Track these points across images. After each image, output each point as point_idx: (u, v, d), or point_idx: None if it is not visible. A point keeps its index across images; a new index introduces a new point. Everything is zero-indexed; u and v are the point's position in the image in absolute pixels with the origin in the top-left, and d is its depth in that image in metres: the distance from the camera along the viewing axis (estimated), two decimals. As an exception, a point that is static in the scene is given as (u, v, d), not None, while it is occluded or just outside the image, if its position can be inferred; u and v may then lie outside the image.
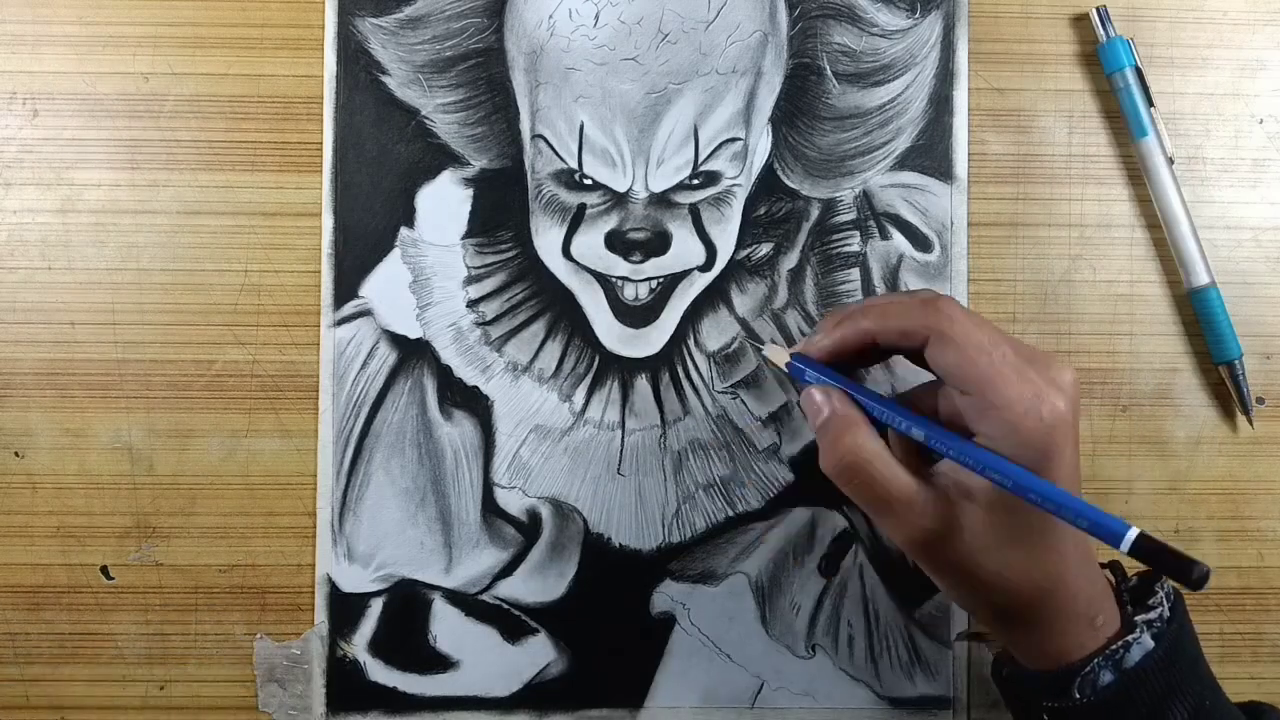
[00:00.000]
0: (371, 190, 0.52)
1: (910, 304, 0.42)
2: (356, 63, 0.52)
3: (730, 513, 0.52)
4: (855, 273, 0.53)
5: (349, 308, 0.52)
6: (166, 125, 0.52)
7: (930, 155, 0.53)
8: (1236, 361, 0.52)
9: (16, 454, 0.51)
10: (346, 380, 0.52)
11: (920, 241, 0.53)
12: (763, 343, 0.50)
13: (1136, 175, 0.53)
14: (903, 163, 0.53)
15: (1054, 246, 0.53)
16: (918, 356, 0.42)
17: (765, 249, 0.53)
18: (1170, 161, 0.52)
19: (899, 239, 0.53)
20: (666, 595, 0.52)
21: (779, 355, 0.45)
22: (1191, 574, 0.35)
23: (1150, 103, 0.52)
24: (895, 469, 0.41)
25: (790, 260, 0.53)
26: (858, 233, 0.53)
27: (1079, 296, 0.53)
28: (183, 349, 0.51)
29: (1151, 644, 0.41)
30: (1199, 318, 0.52)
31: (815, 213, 0.53)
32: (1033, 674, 0.43)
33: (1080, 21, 0.53)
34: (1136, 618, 0.42)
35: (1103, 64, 0.53)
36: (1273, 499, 0.53)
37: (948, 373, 0.41)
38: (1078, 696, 0.42)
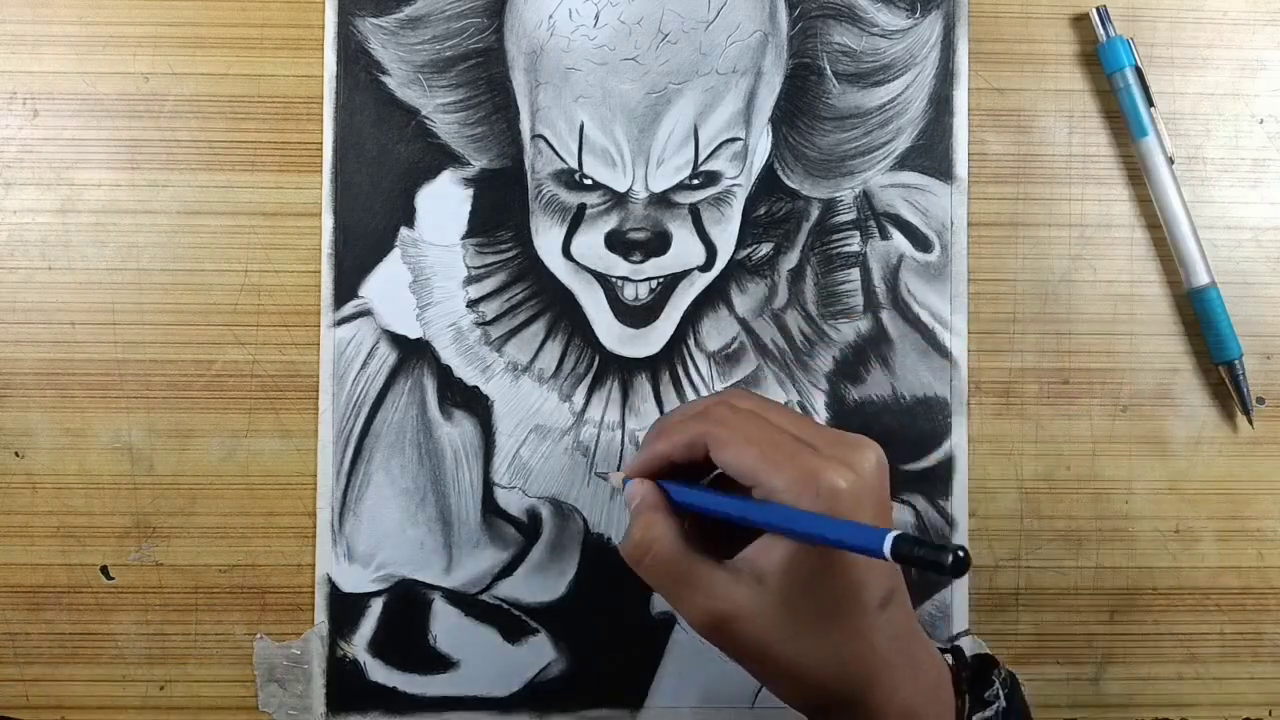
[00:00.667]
0: (371, 190, 0.52)
1: (688, 421, 0.42)
2: (356, 63, 0.52)
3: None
4: (855, 273, 0.53)
5: (349, 308, 0.52)
6: (166, 125, 0.52)
7: (930, 155, 0.53)
8: (1236, 361, 0.52)
9: (17, 454, 0.51)
10: (346, 380, 0.52)
11: (920, 241, 0.53)
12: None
13: (1137, 175, 0.53)
14: (903, 163, 0.53)
15: (1054, 246, 0.53)
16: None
17: (765, 249, 0.53)
18: (1170, 161, 0.52)
19: (899, 239, 0.53)
20: (666, 595, 0.52)
21: (616, 479, 0.46)
22: (945, 561, 0.33)
23: (1150, 103, 0.52)
24: (688, 552, 0.41)
25: (790, 260, 0.53)
26: (858, 233, 0.53)
27: (1079, 296, 0.53)
28: (183, 349, 0.51)
29: None
30: (1199, 317, 0.52)
31: (815, 213, 0.53)
32: None
33: (1080, 21, 0.53)
34: (974, 717, 0.41)
35: (1103, 64, 0.53)
36: (1273, 499, 0.53)
37: (731, 472, 0.41)
38: None
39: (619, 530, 0.52)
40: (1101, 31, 0.52)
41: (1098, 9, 0.52)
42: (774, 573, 0.39)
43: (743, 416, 0.41)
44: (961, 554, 0.33)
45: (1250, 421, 0.53)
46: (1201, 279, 0.52)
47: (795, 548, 0.38)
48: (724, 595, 0.40)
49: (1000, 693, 0.42)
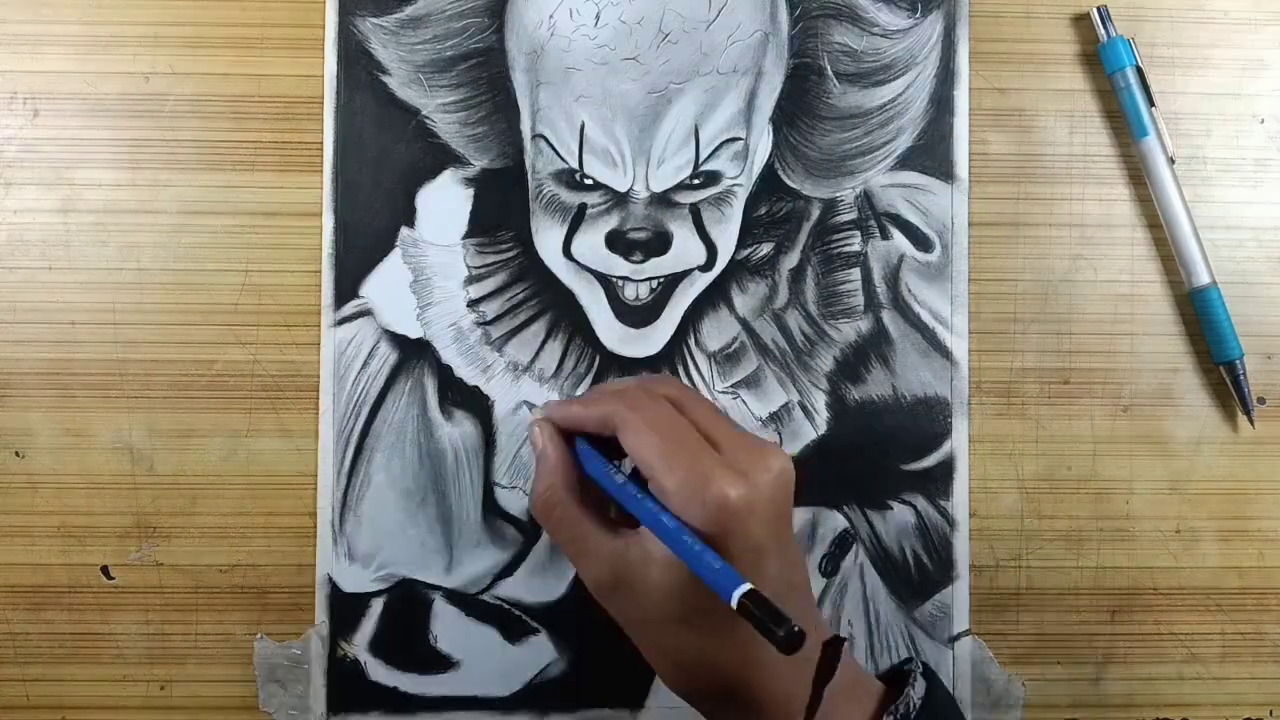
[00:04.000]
0: (372, 190, 0.52)
1: (605, 398, 0.43)
2: (357, 63, 0.52)
3: (731, 513, 0.52)
4: (856, 272, 0.53)
5: (349, 308, 0.52)
6: (167, 125, 0.52)
7: (931, 155, 0.53)
8: (1238, 361, 0.52)
9: (17, 454, 0.51)
10: (347, 380, 0.52)
11: (921, 241, 0.53)
12: None
13: (1137, 175, 0.53)
14: (904, 162, 0.53)
15: (1055, 246, 0.53)
16: None
17: (766, 249, 0.52)
18: (1171, 161, 0.52)
19: (900, 239, 0.53)
20: (667, 595, 0.52)
21: (538, 414, 0.46)
22: (779, 634, 0.33)
23: (1151, 102, 0.52)
24: (589, 515, 0.42)
25: (791, 260, 0.53)
26: (858, 232, 0.53)
27: (1080, 296, 0.53)
28: (183, 349, 0.51)
29: None
30: (1200, 318, 0.52)
31: (816, 212, 0.53)
32: None
33: (1081, 21, 0.53)
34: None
35: (1104, 64, 0.53)
36: (1274, 499, 0.53)
37: (633, 457, 0.41)
38: None
39: (619, 530, 0.52)
40: (1102, 31, 0.52)
41: (1098, 9, 0.52)
42: (662, 565, 0.39)
43: (656, 404, 0.42)
44: (796, 630, 0.33)
45: (1251, 421, 0.53)
46: (1202, 279, 0.52)
47: None
48: (612, 569, 0.40)
49: (913, 689, 0.41)
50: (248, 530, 0.51)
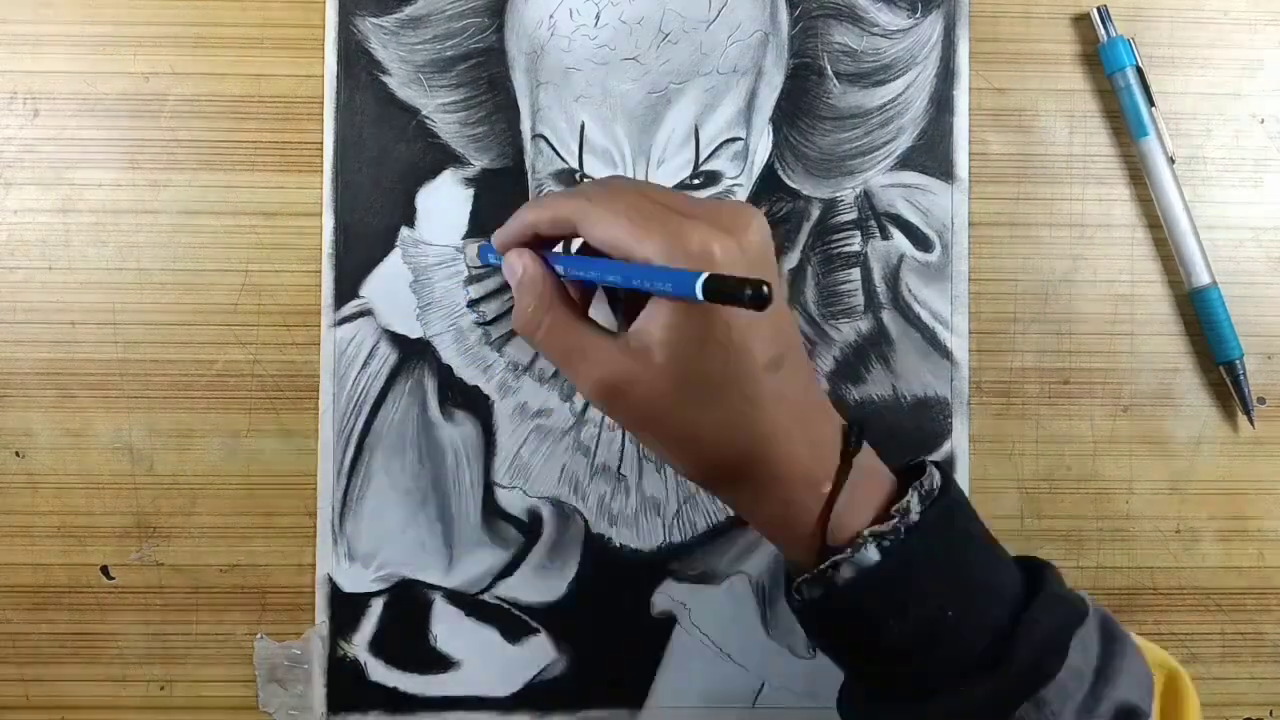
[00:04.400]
0: (372, 190, 0.52)
1: (558, 196, 0.42)
2: (357, 62, 0.52)
3: (731, 513, 0.52)
4: (856, 272, 0.53)
5: (349, 307, 0.52)
6: (167, 125, 0.52)
7: (931, 155, 0.53)
8: (1237, 361, 0.52)
9: (17, 454, 0.51)
10: (347, 380, 0.52)
11: (921, 241, 0.53)
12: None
13: (1137, 175, 0.53)
14: (904, 162, 0.53)
15: (1054, 246, 0.53)
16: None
17: (766, 249, 0.52)
18: (1171, 161, 0.52)
19: (900, 239, 0.53)
20: (667, 595, 0.52)
21: (472, 248, 0.45)
22: (748, 292, 0.32)
23: (1151, 102, 0.52)
24: (581, 321, 0.42)
25: (791, 260, 0.53)
26: (858, 232, 0.53)
27: (1079, 296, 0.53)
28: (183, 349, 0.51)
29: (876, 557, 0.39)
30: (1200, 318, 0.52)
31: (816, 212, 0.53)
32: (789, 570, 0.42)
33: (1081, 21, 0.53)
34: (865, 530, 0.40)
35: (1104, 64, 0.53)
36: (1274, 499, 0.53)
37: (599, 246, 0.40)
38: (795, 597, 0.41)
39: (620, 530, 0.52)
40: (1102, 31, 0.52)
41: (1098, 9, 0.52)
42: (661, 342, 0.39)
43: (613, 191, 0.41)
44: (764, 287, 0.32)
45: (1251, 421, 0.53)
46: (1202, 279, 0.52)
47: (678, 315, 0.38)
48: (614, 367, 0.40)
49: (913, 501, 0.41)
50: (248, 530, 0.51)
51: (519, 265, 0.43)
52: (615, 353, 0.40)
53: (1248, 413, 0.53)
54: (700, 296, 0.34)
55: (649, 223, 0.38)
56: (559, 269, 0.42)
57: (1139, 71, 0.52)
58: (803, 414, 0.40)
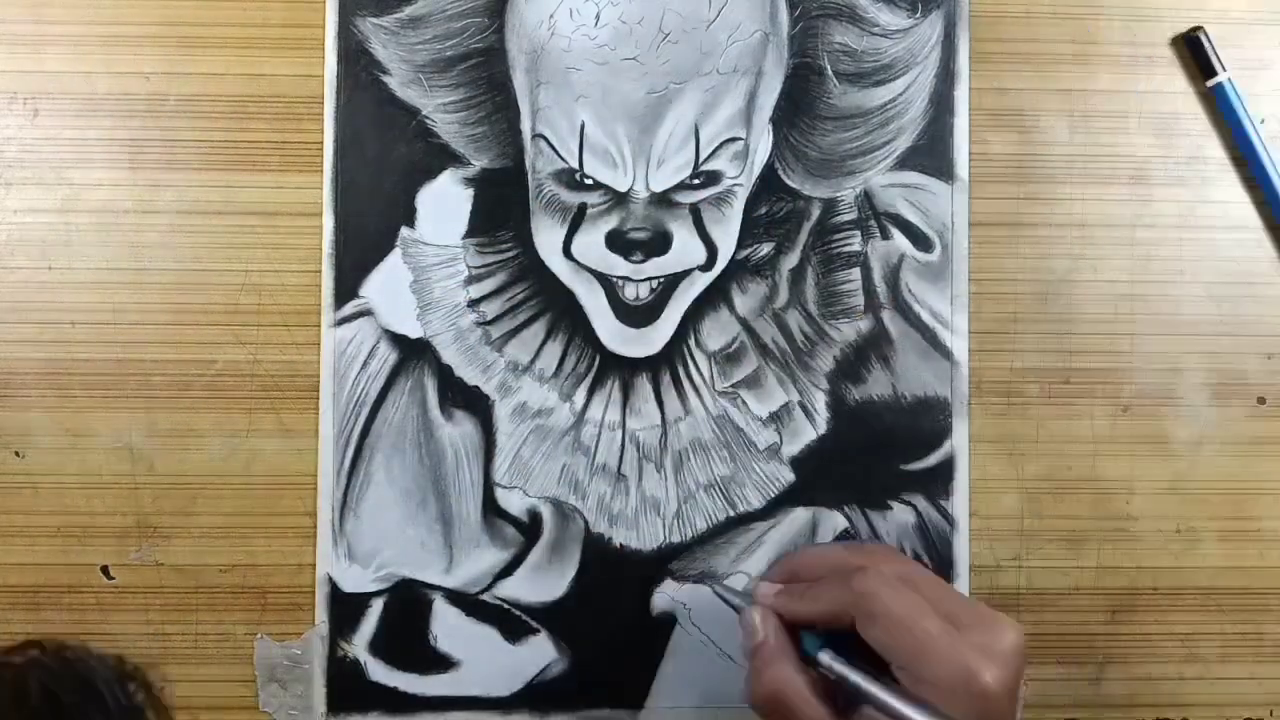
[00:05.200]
0: (372, 190, 0.52)
1: (832, 586, 0.43)
2: (357, 62, 0.52)
3: (731, 513, 0.52)
4: (856, 272, 0.53)
5: (349, 307, 0.52)
6: (167, 125, 0.52)
7: (931, 155, 0.53)
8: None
9: (17, 454, 0.51)
10: (347, 380, 0.52)
11: (921, 241, 0.53)
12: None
13: (1137, 175, 0.53)
14: (904, 162, 0.53)
15: (1055, 246, 0.53)
16: None
17: (766, 249, 0.52)
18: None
19: (900, 239, 0.53)
20: (667, 595, 0.52)
21: (753, 616, 0.45)
22: None
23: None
24: (816, 706, 0.42)
25: (791, 260, 0.53)
26: (859, 232, 0.53)
27: (1080, 296, 0.53)
28: (183, 349, 0.51)
29: None
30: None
31: (816, 212, 0.53)
32: None
33: (1081, 21, 0.53)
34: None
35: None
36: (1274, 499, 0.53)
37: (878, 648, 0.41)
38: None
39: (620, 530, 0.52)
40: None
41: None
42: None
43: (892, 590, 0.41)
44: None
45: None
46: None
47: None
48: None
49: None
50: (248, 530, 0.51)
51: (759, 630, 0.44)
52: None
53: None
54: None
55: (932, 643, 0.40)
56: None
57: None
58: None
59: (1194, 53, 0.53)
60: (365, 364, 0.52)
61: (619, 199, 0.52)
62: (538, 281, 0.52)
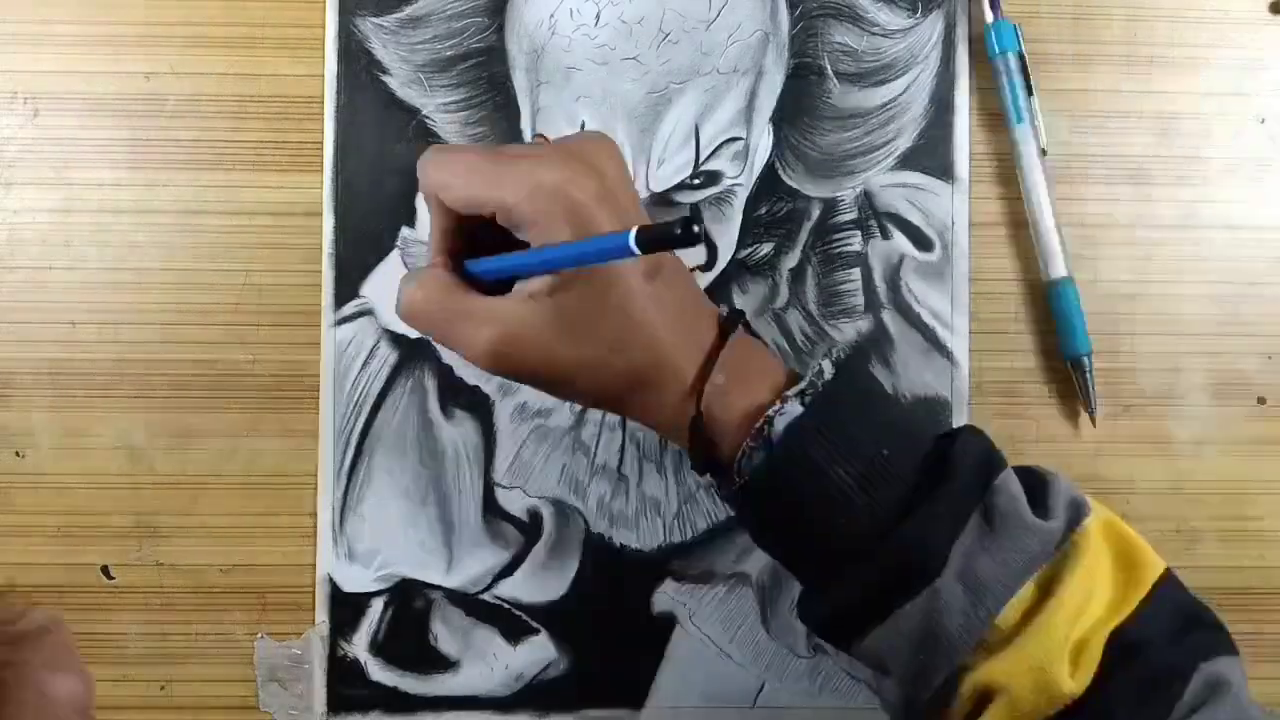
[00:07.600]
0: (372, 190, 0.52)
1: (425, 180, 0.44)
2: (357, 62, 0.52)
3: (732, 512, 0.52)
4: (856, 272, 0.53)
5: (350, 307, 0.52)
6: (167, 125, 0.52)
7: (931, 155, 0.53)
8: (1085, 357, 0.51)
9: (18, 454, 0.51)
10: (347, 380, 0.52)
11: (921, 241, 0.53)
12: None
13: (1138, 174, 0.53)
14: (904, 162, 0.53)
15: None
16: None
17: (766, 249, 0.52)
18: (1043, 154, 0.51)
19: (900, 239, 0.53)
20: (667, 595, 0.52)
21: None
22: (678, 230, 0.33)
23: (1030, 92, 0.51)
24: (458, 288, 0.43)
25: (791, 260, 0.53)
26: (859, 232, 0.53)
27: (1080, 296, 0.53)
28: (183, 349, 0.51)
29: (799, 409, 0.40)
30: (1053, 311, 0.52)
31: (816, 212, 0.53)
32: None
33: (1080, 21, 0.53)
34: (787, 391, 0.41)
35: (986, 46, 0.52)
36: (1274, 499, 0.53)
37: (465, 207, 0.42)
38: (736, 479, 0.41)
39: (620, 530, 0.52)
40: (989, 13, 0.52)
41: None
42: (541, 286, 0.40)
43: (454, 152, 0.44)
44: (695, 228, 0.33)
45: (1093, 420, 0.52)
46: (1059, 272, 0.51)
47: None
48: (500, 318, 0.41)
49: (832, 354, 0.42)
50: (248, 530, 0.51)
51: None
52: (498, 307, 0.41)
53: (1090, 412, 0.52)
54: (637, 251, 0.35)
55: (500, 170, 0.41)
56: (478, 273, 0.43)
57: (1020, 58, 0.51)
58: (684, 313, 0.42)
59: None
60: (366, 364, 0.52)
61: (619, 199, 0.52)
62: (538, 281, 0.52)
